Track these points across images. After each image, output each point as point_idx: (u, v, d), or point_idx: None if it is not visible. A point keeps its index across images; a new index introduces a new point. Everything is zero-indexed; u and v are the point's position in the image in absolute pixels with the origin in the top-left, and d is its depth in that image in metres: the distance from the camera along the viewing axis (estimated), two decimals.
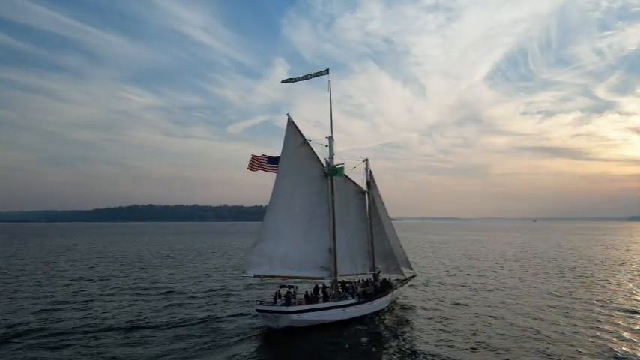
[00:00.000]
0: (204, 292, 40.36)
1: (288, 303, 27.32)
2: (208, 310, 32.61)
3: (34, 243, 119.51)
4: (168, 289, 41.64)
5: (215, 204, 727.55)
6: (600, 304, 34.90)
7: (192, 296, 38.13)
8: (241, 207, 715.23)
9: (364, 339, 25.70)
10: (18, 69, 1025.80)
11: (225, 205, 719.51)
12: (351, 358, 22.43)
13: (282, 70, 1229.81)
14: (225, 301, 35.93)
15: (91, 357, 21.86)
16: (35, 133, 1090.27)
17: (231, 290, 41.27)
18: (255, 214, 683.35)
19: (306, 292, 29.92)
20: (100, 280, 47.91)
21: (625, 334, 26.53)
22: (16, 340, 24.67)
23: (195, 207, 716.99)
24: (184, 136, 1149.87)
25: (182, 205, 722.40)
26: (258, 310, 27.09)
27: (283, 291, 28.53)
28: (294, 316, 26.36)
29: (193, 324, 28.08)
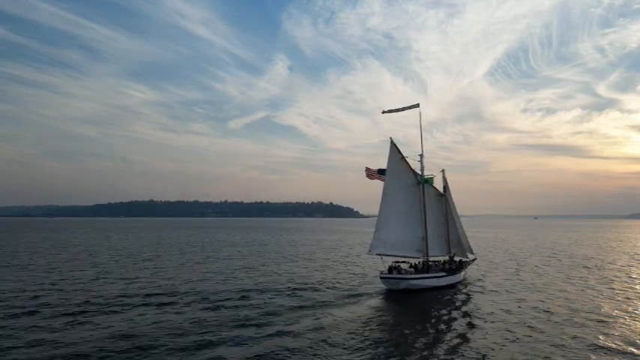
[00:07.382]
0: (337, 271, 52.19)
1: (400, 273, 38.99)
2: (340, 278, 45.30)
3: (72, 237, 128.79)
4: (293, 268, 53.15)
5: (215, 200, 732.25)
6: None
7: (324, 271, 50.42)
8: (242, 203, 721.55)
9: (453, 297, 37.26)
10: (18, 63, 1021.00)
11: (226, 201, 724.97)
12: (445, 309, 33.29)
13: (282, 66, 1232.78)
14: (350, 274, 48.79)
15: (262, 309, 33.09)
16: (36, 127, 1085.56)
17: (348, 266, 54.27)
18: (256, 210, 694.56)
19: (415, 265, 41.54)
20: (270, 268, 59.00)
21: None
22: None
23: (196, 203, 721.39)
24: (185, 131, 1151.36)
25: (182, 201, 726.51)
26: (382, 278, 38.77)
27: (394, 265, 40.18)
28: (411, 282, 38.02)
29: (334, 288, 39.51)
